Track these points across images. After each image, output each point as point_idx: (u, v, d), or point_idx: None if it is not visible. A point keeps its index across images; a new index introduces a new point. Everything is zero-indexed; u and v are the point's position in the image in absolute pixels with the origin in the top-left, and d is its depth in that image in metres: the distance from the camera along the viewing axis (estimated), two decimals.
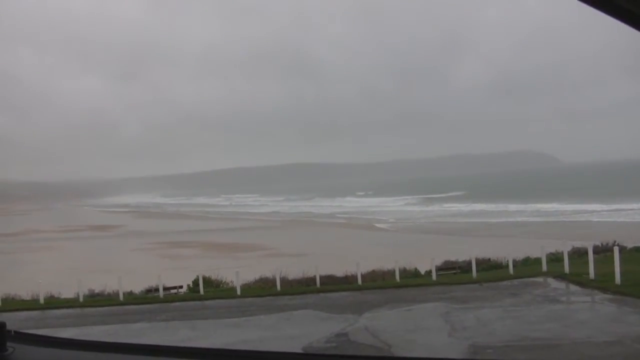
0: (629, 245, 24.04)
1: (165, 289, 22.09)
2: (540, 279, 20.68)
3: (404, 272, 23.38)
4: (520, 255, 24.87)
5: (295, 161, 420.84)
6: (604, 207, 63.45)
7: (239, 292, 21.25)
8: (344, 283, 22.21)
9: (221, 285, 23.90)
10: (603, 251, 22.23)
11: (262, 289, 22.62)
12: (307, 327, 15.35)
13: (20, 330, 2.10)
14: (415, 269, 24.42)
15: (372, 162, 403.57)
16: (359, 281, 21.92)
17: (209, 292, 22.16)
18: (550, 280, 20.45)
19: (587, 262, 19.04)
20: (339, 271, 23.18)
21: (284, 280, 22.39)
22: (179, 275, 24.40)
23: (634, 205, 59.97)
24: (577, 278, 19.33)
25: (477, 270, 22.16)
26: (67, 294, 22.88)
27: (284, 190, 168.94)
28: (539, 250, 22.99)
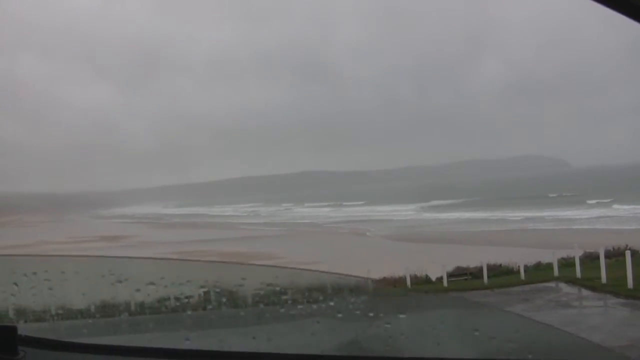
0: None
1: (176, 298, 22.10)
2: (552, 284, 20.57)
3: (415, 279, 23.31)
4: (531, 261, 24.77)
5: (307, 169, 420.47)
6: (611, 212, 63.87)
7: (249, 301, 21.21)
8: None
9: (233, 294, 23.91)
10: (615, 255, 22.11)
11: (272, 297, 22.53)
12: (316, 336, 15.31)
13: (31, 335, 2.11)
14: (426, 275, 24.33)
15: (386, 169, 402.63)
16: (369, 288, 21.77)
17: (221, 301, 22.15)
18: (562, 285, 20.35)
19: (598, 267, 18.94)
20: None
21: (294, 288, 22.36)
22: (191, 284, 24.38)
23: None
24: (589, 283, 19.23)
25: (489, 276, 22.08)
26: (78, 304, 22.88)
27: (289, 199, 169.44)
28: (550, 256, 22.94)
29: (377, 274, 24.19)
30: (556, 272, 21.48)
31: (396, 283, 22.83)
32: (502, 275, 23.35)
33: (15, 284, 5.72)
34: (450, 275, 22.71)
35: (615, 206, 68.06)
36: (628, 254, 18.43)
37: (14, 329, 1.97)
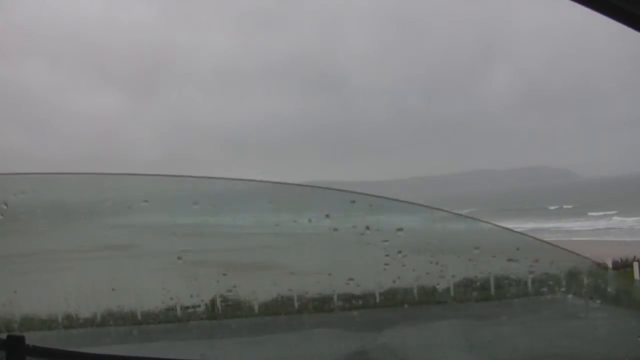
0: None
1: (182, 307, 22.05)
2: (559, 295, 20.51)
3: (422, 289, 23.22)
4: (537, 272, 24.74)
5: (313, 179, 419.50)
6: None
7: (256, 310, 21.21)
8: (361, 302, 22.12)
9: (240, 304, 23.86)
10: (623, 267, 22.12)
11: (278, 307, 22.55)
12: (324, 346, 15.31)
13: (38, 345, 2.12)
14: (434, 286, 24.23)
15: (389, 180, 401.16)
16: (377, 299, 21.78)
17: (227, 310, 22.13)
18: (569, 296, 20.28)
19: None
20: (355, 289, 23.05)
21: (301, 298, 22.37)
22: (197, 294, 24.39)
23: None
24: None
25: (495, 287, 22.03)
26: (85, 313, 22.83)
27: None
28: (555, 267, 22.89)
29: (382, 285, 24.21)
30: (563, 284, 21.44)
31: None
32: (508, 286, 23.32)
33: (5, 204, 5.72)
34: (457, 285, 22.66)
35: (619, 218, 68.16)
36: (636, 265, 18.41)
37: (21, 339, 1.97)
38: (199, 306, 22.95)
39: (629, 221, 64.40)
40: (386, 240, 8.70)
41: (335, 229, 8.39)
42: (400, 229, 8.37)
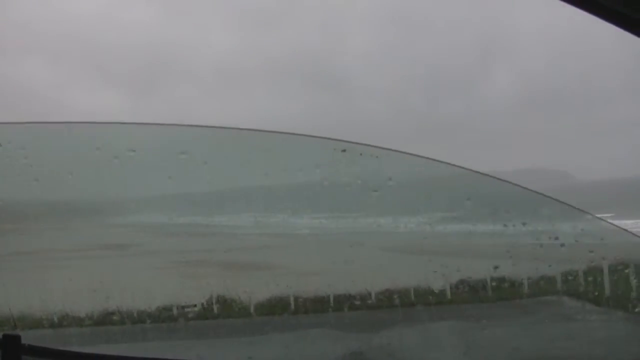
0: None
1: (179, 307, 22.01)
2: (554, 297, 20.48)
3: (419, 290, 23.18)
4: (534, 273, 24.66)
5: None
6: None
7: (252, 310, 21.17)
8: (358, 302, 22.12)
9: (237, 303, 23.81)
10: (619, 270, 22.12)
11: (275, 307, 22.52)
12: (321, 346, 15.29)
13: (34, 345, 2.12)
14: (430, 287, 24.18)
15: None
16: (374, 300, 21.74)
17: (224, 310, 22.09)
18: (565, 298, 20.26)
19: (602, 280, 18.90)
20: (352, 289, 23.02)
21: (298, 299, 22.36)
22: (194, 294, 24.38)
23: None
24: (593, 296, 19.19)
25: (492, 289, 22.01)
26: (81, 312, 22.74)
27: (292, 209, 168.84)
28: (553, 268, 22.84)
29: (379, 286, 24.19)
30: (559, 285, 21.43)
31: (400, 295, 22.85)
32: (505, 287, 23.31)
33: None
34: (452, 287, 22.67)
35: (616, 221, 68.23)
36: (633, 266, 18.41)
37: (17, 338, 1.97)
38: (196, 306, 22.86)
39: (627, 224, 64.60)
40: None
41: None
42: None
